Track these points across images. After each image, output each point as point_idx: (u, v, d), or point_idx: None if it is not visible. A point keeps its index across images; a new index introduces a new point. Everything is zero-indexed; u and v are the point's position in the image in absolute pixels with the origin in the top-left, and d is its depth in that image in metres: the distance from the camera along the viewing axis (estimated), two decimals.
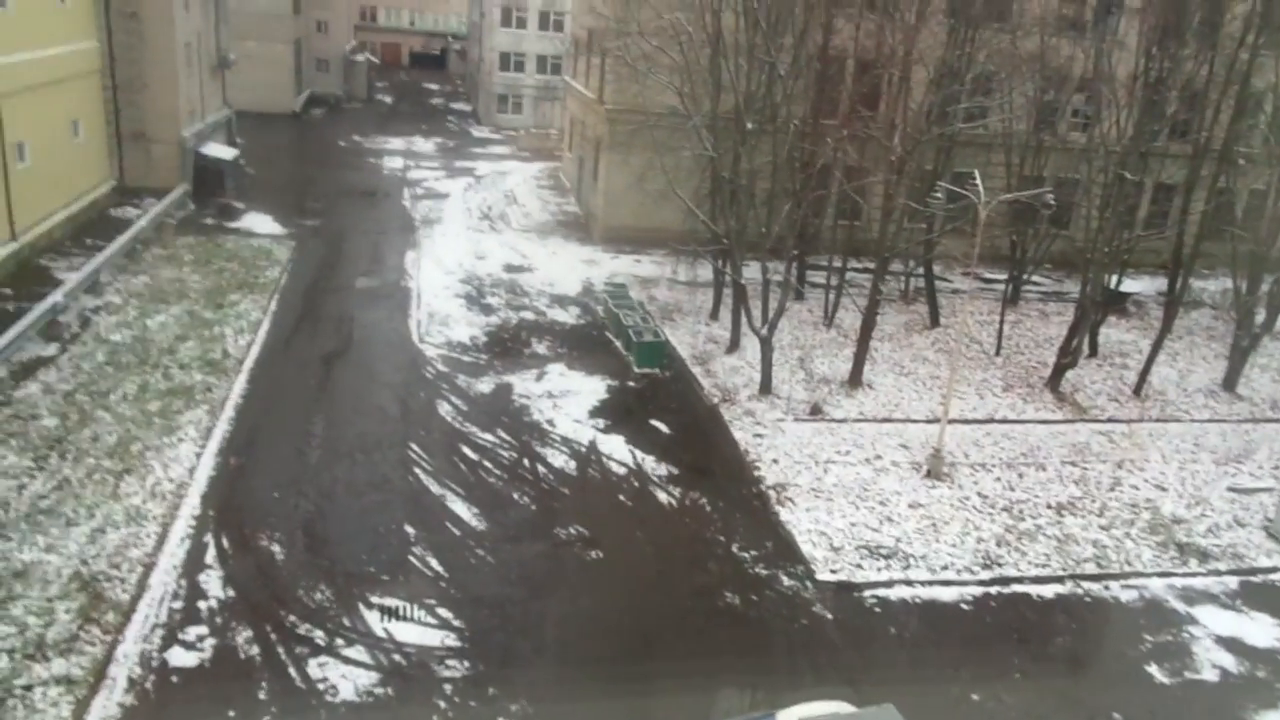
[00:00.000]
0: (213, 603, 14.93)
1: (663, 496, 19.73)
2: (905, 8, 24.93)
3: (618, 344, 27.66)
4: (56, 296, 24.95)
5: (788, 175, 25.92)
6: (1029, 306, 34.15)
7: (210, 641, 14.04)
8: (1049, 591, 17.70)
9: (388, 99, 77.00)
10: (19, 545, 15.56)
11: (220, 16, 45.48)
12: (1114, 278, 29.98)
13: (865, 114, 27.72)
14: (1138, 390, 27.23)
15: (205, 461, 19.12)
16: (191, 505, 17.55)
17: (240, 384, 22.89)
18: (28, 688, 12.60)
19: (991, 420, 24.80)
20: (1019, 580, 17.81)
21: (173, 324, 25.75)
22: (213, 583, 15.44)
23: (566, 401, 23.63)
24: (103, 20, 35.86)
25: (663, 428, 22.89)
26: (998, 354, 29.29)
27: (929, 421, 23.79)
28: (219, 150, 41.61)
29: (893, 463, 21.84)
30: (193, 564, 15.86)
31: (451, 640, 14.68)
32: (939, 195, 24.04)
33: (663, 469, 20.76)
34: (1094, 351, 29.61)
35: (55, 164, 31.53)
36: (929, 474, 21.29)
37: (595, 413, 23.23)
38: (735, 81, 24.47)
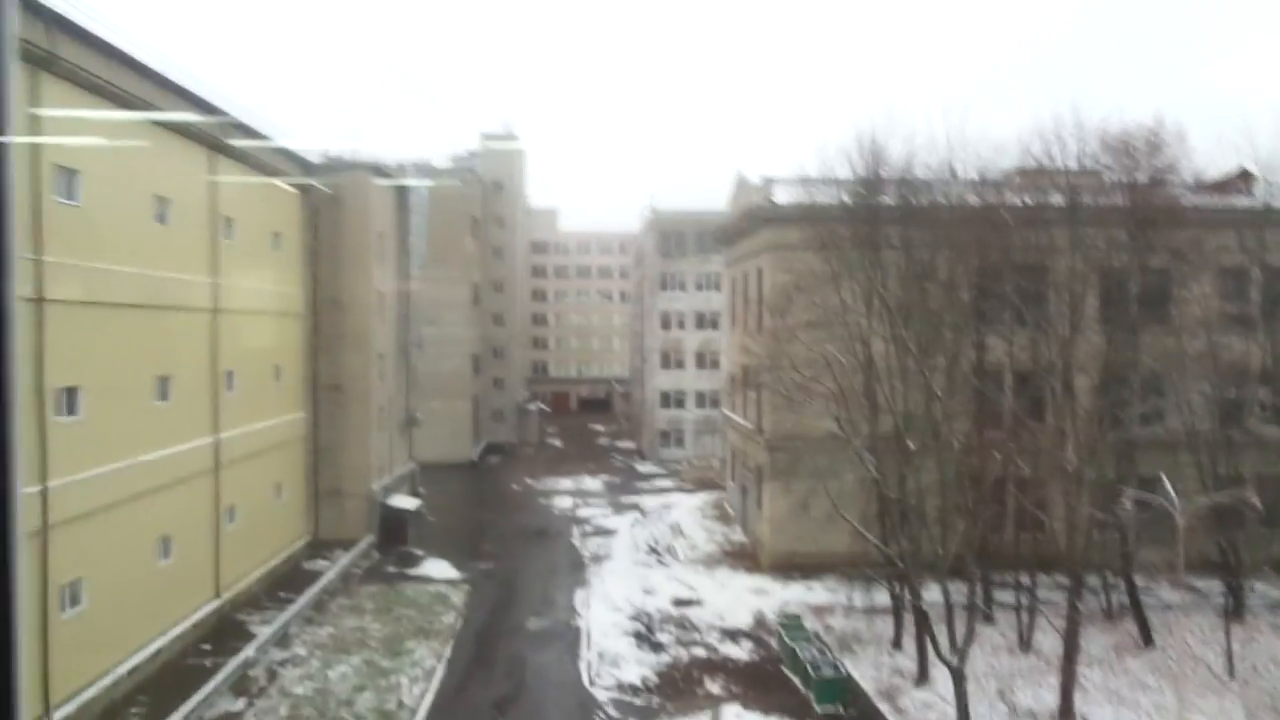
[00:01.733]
0: None
1: None
2: (1057, 321, 25.14)
3: (795, 680, 26.07)
4: (248, 652, 26.07)
5: (958, 492, 25.18)
6: (1258, 620, 30.43)
7: None
8: None
9: (558, 442, 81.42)
10: None
11: (410, 381, 50.48)
12: None
13: (1031, 425, 27.16)
14: None
15: None
16: None
17: None
18: None
19: None
20: None
21: (352, 674, 26.17)
22: None
23: None
24: (311, 393, 40.39)
25: None
26: (1231, 677, 25.80)
27: None
28: (403, 501, 44.36)
29: None
30: None
31: None
32: (1126, 503, 22.66)
33: None
34: None
35: (259, 524, 34.25)
36: None
37: None
38: (891, 403, 24.71)
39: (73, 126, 22.37)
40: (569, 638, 30.27)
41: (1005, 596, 29.61)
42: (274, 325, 36.80)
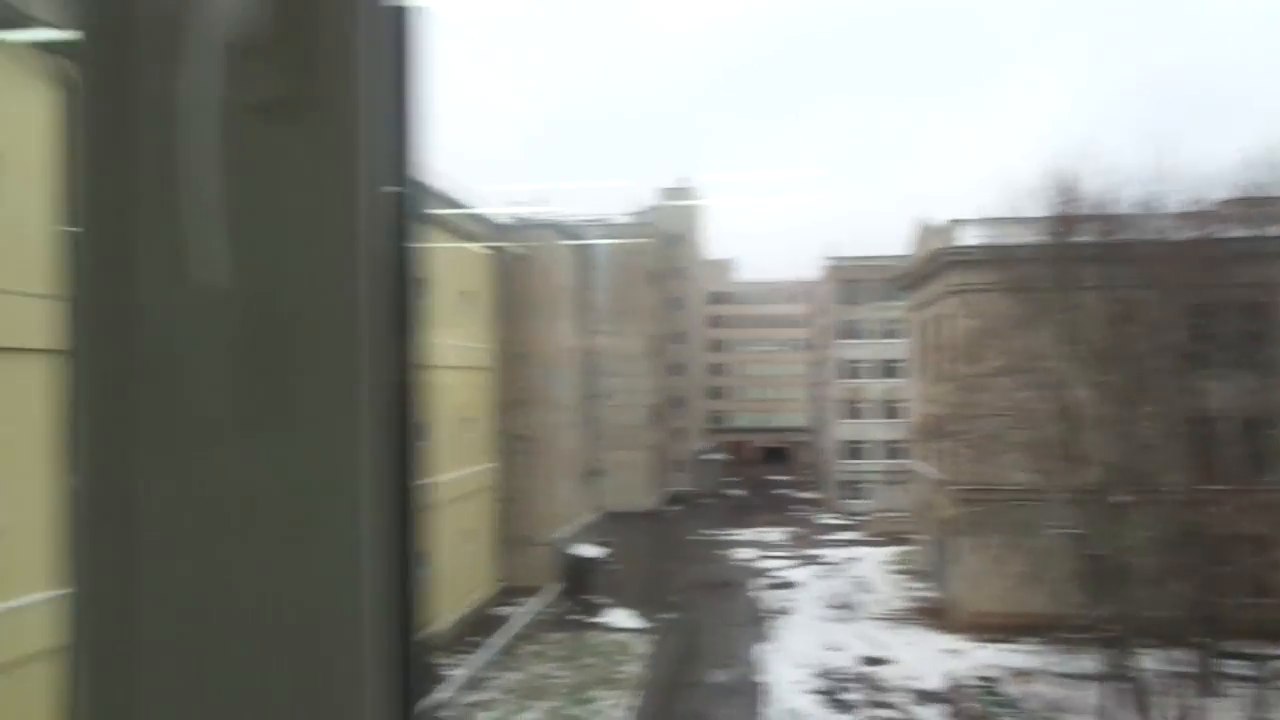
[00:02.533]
0: None
1: None
2: None
3: None
4: (442, 695, 27.05)
5: (1176, 550, 23.11)
6: None
7: None
8: None
9: (737, 492, 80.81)
10: None
11: (593, 432, 51.60)
12: None
13: (1266, 475, 24.69)
14: None
15: None
16: None
17: None
18: None
19: None
20: None
21: None
22: None
23: None
24: (499, 444, 41.96)
25: None
26: None
27: None
28: (586, 550, 45.10)
29: None
30: None
31: None
32: None
33: None
34: None
35: (450, 570, 35.61)
36: None
37: None
38: (1095, 453, 23.12)
39: None
40: (752, 693, 29.69)
41: (1237, 668, 26.79)
42: (464, 379, 38.58)
